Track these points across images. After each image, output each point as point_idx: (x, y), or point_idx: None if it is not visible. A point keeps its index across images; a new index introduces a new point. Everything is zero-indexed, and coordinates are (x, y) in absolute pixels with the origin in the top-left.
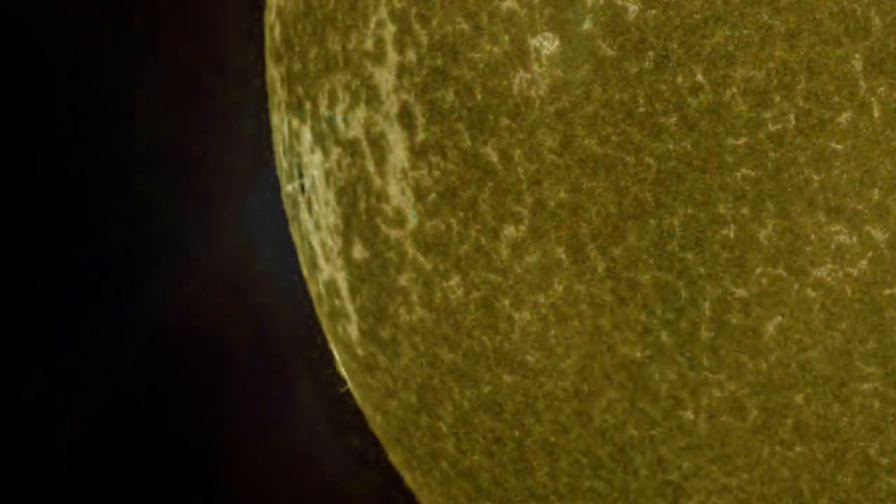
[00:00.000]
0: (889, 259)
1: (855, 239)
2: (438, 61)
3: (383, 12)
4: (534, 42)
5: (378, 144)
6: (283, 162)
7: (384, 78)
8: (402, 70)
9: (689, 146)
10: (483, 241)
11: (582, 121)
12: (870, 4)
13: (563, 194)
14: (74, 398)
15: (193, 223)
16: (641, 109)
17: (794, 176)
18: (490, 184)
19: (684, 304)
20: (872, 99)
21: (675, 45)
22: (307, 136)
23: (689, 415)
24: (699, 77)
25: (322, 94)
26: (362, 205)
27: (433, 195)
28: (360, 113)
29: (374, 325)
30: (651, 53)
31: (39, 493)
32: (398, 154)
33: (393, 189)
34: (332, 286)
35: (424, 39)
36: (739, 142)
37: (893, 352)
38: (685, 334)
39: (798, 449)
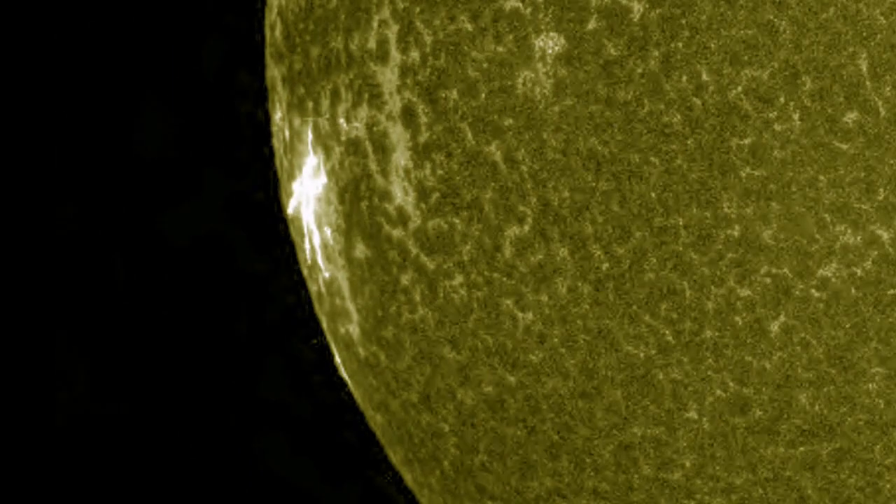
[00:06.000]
0: (894, 259)
1: (860, 239)
2: (442, 60)
3: (386, 11)
4: (538, 41)
5: (380, 144)
6: (283, 162)
7: (387, 77)
8: (405, 69)
9: (693, 146)
10: (486, 240)
11: (586, 120)
12: (876, 4)
13: (566, 194)
14: (66, 395)
15: (192, 223)
16: (646, 109)
17: (799, 176)
18: (493, 183)
19: (688, 304)
20: (877, 99)
21: (680, 45)
22: (308, 135)
23: (692, 414)
24: (704, 77)
25: (324, 94)
26: (364, 204)
27: (436, 194)
28: (363, 112)
29: (376, 325)
30: (656, 53)
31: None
32: (401, 153)
33: (395, 188)
34: (332, 285)
35: (428, 38)
36: (744, 141)
37: None
38: (689, 334)
39: (802, 449)
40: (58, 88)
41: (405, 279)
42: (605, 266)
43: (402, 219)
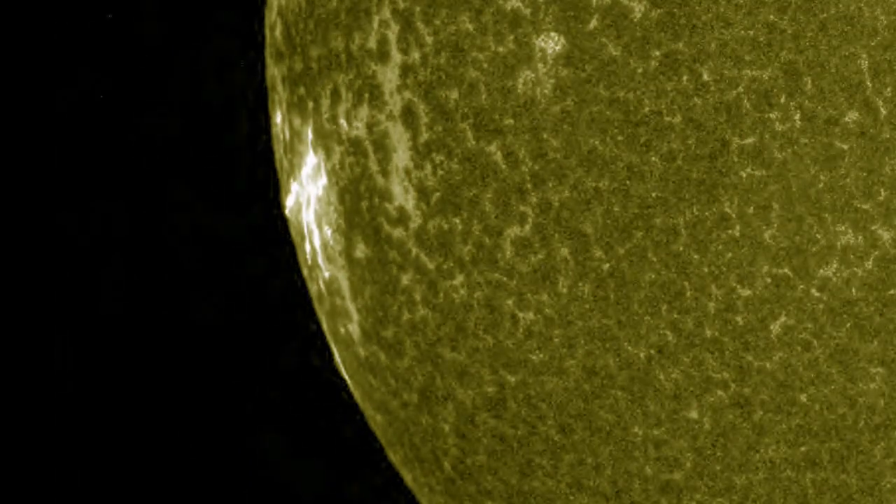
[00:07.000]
0: (895, 259)
1: (861, 239)
2: (442, 60)
3: (386, 11)
4: (539, 41)
5: (381, 144)
6: (283, 162)
7: (387, 77)
8: (405, 69)
9: (694, 146)
10: (487, 240)
11: (586, 120)
12: (876, 4)
13: (567, 194)
14: (66, 393)
15: (192, 223)
16: (647, 109)
17: (800, 176)
18: (494, 183)
19: (689, 304)
20: (878, 99)
21: (680, 45)
22: (308, 135)
23: (693, 414)
24: (705, 77)
25: (324, 94)
26: (364, 204)
27: (437, 194)
28: (363, 112)
29: (376, 325)
30: (657, 53)
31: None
32: (401, 153)
33: (396, 188)
34: (332, 285)
35: (428, 38)
36: (745, 141)
37: None
38: (689, 334)
39: (802, 449)
40: (57, 88)
41: (405, 279)
42: (605, 266)
43: (402, 219)
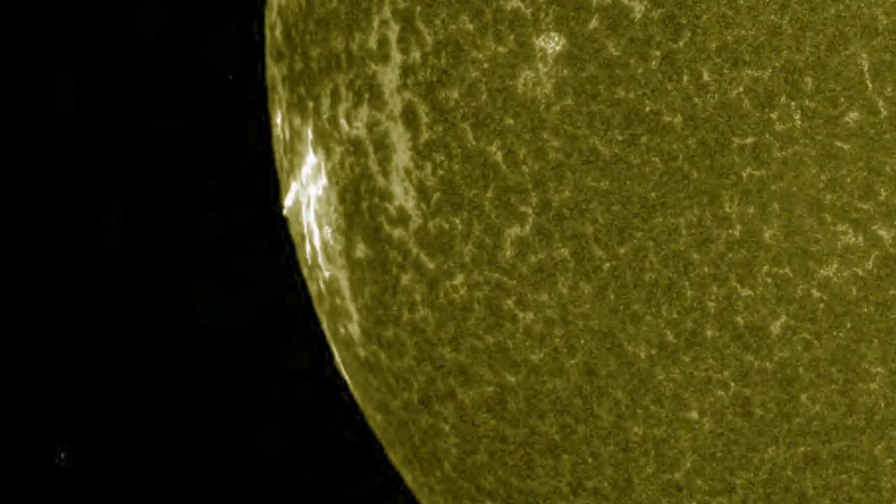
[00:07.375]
0: (895, 259)
1: (861, 239)
2: (442, 60)
3: (387, 11)
4: (539, 41)
5: (381, 144)
6: (283, 162)
7: (388, 77)
8: (406, 69)
9: (694, 145)
10: (487, 240)
11: (587, 120)
12: (876, 4)
13: (567, 194)
14: (67, 393)
15: (192, 222)
16: (647, 109)
17: (801, 176)
18: (494, 183)
19: (690, 304)
20: (879, 99)
21: (681, 45)
22: (308, 135)
23: (693, 414)
24: (705, 76)
25: (324, 94)
26: (365, 204)
27: (437, 194)
28: (363, 112)
29: (376, 325)
30: (657, 53)
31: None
32: (402, 153)
33: (396, 188)
34: (332, 285)
35: (429, 38)
36: (746, 141)
37: None
38: (690, 334)
39: (802, 449)
40: (57, 88)
41: (405, 279)
42: (605, 266)
43: (402, 219)
